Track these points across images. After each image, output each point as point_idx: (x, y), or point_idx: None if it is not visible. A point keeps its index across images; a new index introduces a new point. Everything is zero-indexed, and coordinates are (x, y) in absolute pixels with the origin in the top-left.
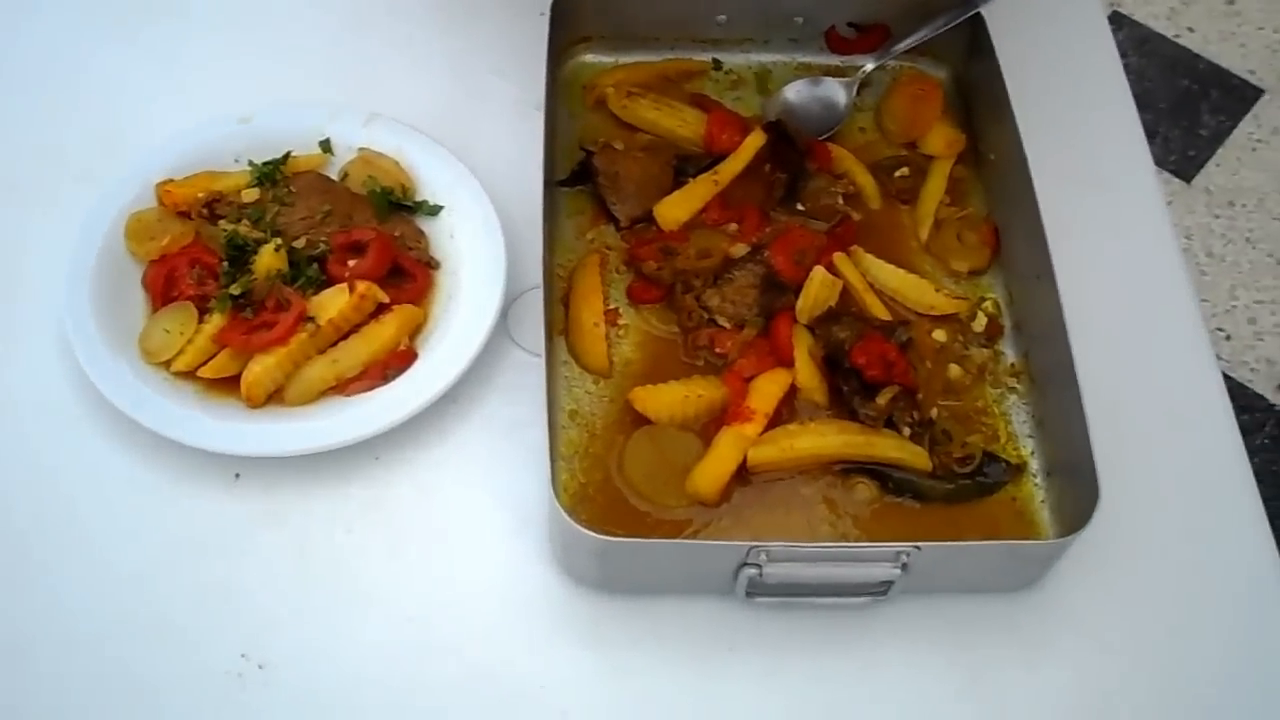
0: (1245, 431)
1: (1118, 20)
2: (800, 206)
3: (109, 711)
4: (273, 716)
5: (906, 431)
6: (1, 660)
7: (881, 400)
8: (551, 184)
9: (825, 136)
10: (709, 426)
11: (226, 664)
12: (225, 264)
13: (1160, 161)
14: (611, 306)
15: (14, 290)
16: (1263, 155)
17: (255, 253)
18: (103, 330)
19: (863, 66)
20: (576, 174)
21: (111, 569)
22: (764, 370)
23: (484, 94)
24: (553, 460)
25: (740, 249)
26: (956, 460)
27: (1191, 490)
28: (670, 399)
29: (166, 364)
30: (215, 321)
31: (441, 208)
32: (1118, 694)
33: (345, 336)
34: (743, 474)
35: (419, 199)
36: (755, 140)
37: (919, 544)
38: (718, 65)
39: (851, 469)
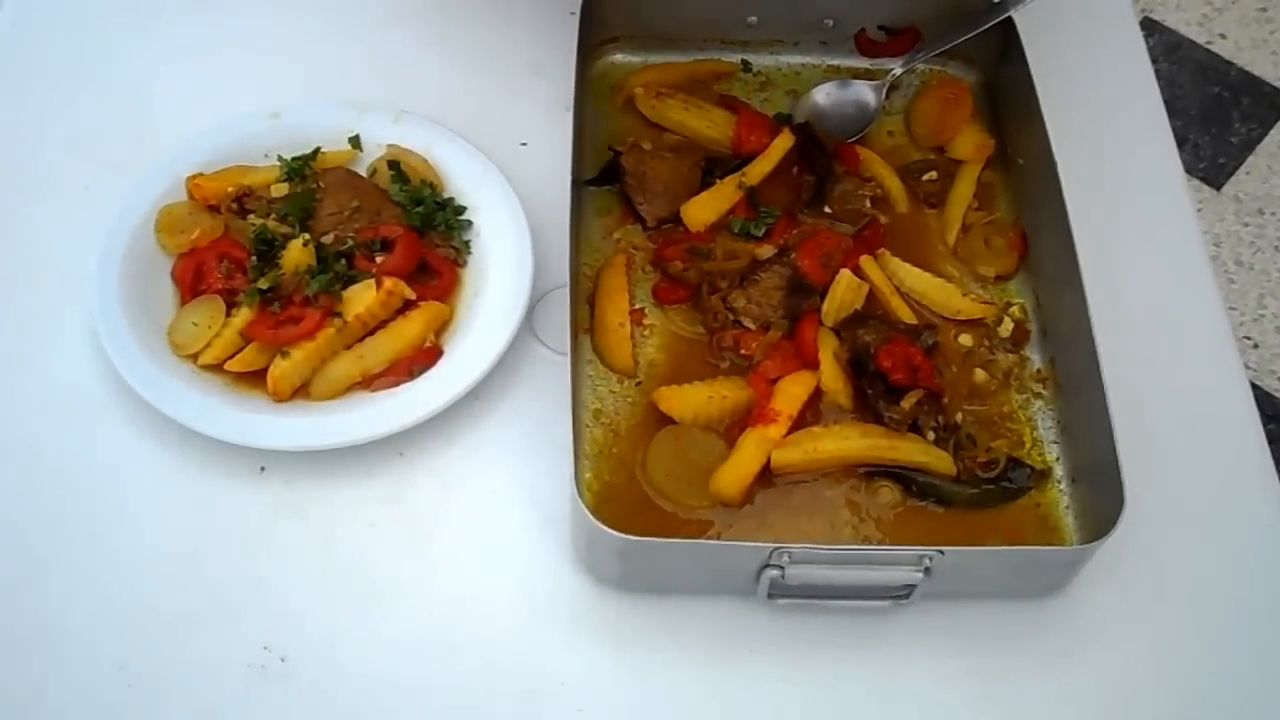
0: (1272, 440)
1: (1149, 26)
2: (828, 209)
3: (132, 700)
4: (294, 709)
5: (931, 436)
6: (26, 647)
7: (906, 404)
8: (579, 183)
9: (854, 139)
10: (733, 428)
11: (249, 656)
12: (254, 258)
13: (1190, 168)
14: (637, 306)
15: (44, 281)
16: None
17: (284, 248)
18: (131, 322)
19: (892, 70)
20: (604, 173)
21: (136, 559)
22: (789, 372)
23: (513, 92)
24: (576, 459)
25: (767, 251)
26: (981, 465)
27: (1217, 499)
28: (694, 400)
29: (194, 357)
30: (243, 315)
31: (470, 224)
32: (1139, 703)
33: (372, 332)
34: (766, 476)
35: (446, 195)
36: (784, 142)
37: (942, 548)
38: (747, 67)
39: (875, 472)
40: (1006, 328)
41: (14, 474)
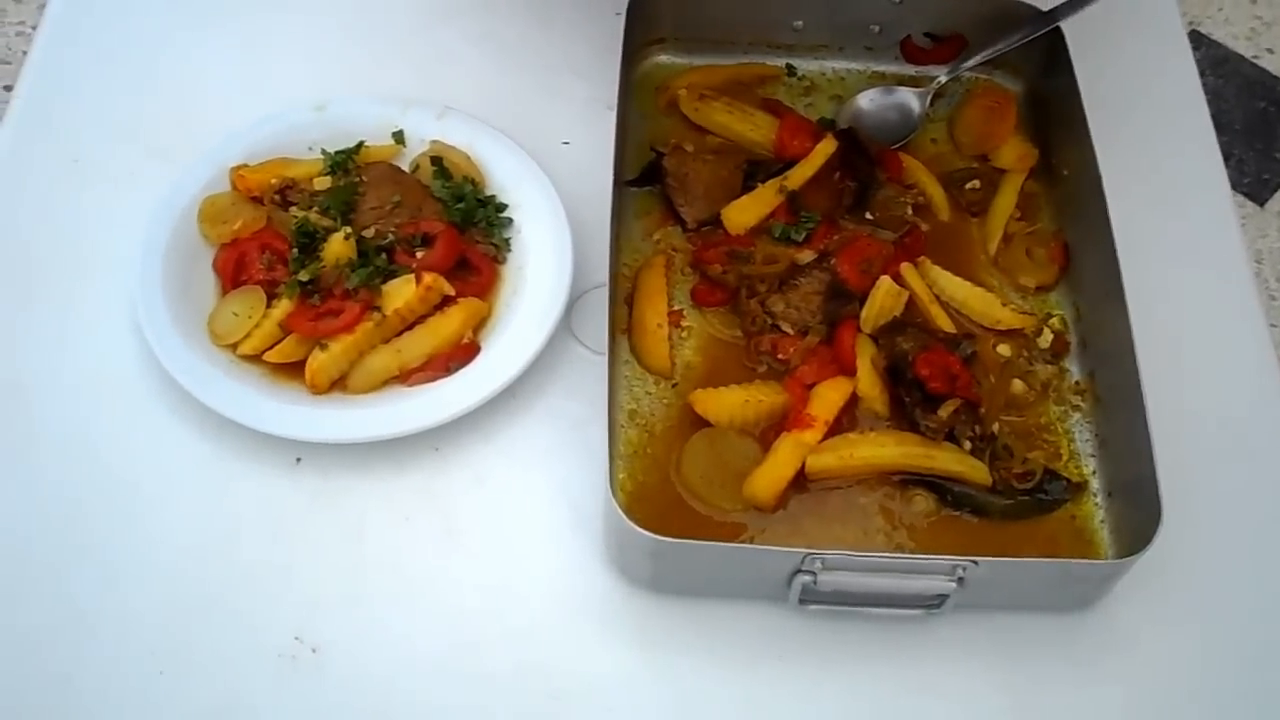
0: None
1: (1196, 39)
2: (869, 215)
3: (163, 687)
4: (324, 700)
5: (967, 445)
6: (58, 632)
7: (943, 413)
8: (621, 183)
9: (897, 146)
10: (768, 432)
11: (280, 646)
12: (295, 250)
13: (1234, 184)
14: (675, 308)
15: (86, 267)
16: None
17: (325, 240)
18: (172, 311)
19: (937, 77)
20: (646, 174)
21: (171, 547)
22: (826, 378)
23: (558, 91)
24: (611, 459)
25: (807, 256)
26: (1017, 476)
27: (1254, 517)
28: (730, 403)
29: (233, 346)
30: (283, 307)
31: (511, 221)
32: None
33: (410, 327)
34: (800, 481)
35: (488, 193)
36: (826, 147)
37: (976, 558)
38: (791, 71)
39: (910, 480)
40: (1046, 339)
41: (51, 458)
